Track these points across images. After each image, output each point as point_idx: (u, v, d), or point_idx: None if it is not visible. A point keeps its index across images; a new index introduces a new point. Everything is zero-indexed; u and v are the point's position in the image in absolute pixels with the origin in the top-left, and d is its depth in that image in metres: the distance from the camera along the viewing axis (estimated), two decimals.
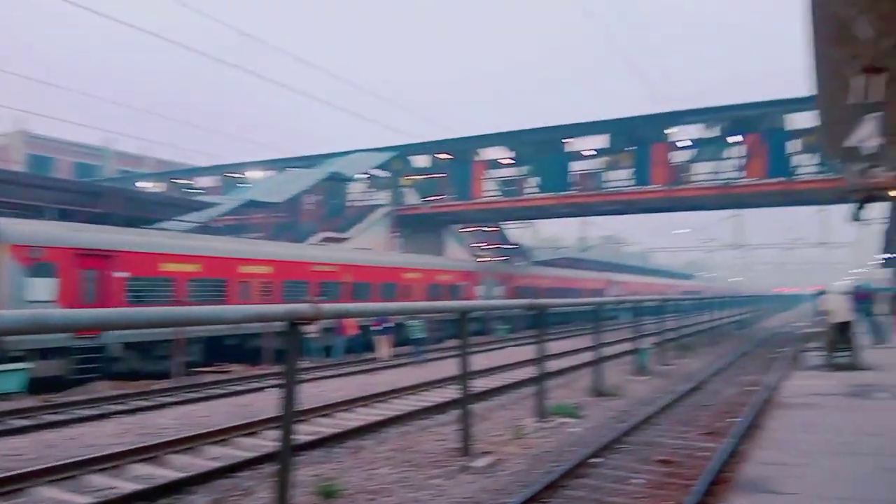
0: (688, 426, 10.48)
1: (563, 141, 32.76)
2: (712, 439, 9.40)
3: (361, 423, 10.61)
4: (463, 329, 8.62)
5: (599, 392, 13.22)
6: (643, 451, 8.75)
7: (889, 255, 40.24)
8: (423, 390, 14.25)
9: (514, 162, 34.85)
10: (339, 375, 16.98)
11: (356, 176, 36.39)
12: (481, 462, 8.04)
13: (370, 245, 32.96)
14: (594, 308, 15.36)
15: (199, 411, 12.20)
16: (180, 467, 8.33)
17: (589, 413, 11.40)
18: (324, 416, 11.50)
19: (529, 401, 12.08)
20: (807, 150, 26.89)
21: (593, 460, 8.14)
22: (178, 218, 24.94)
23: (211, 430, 9.89)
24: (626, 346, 19.57)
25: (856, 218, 23.25)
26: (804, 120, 26.07)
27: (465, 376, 8.49)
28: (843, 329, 13.84)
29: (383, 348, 20.42)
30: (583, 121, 31.75)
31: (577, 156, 33.24)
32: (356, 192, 39.62)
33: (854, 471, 6.10)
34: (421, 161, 37.94)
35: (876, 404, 9.68)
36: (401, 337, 21.71)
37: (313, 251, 24.28)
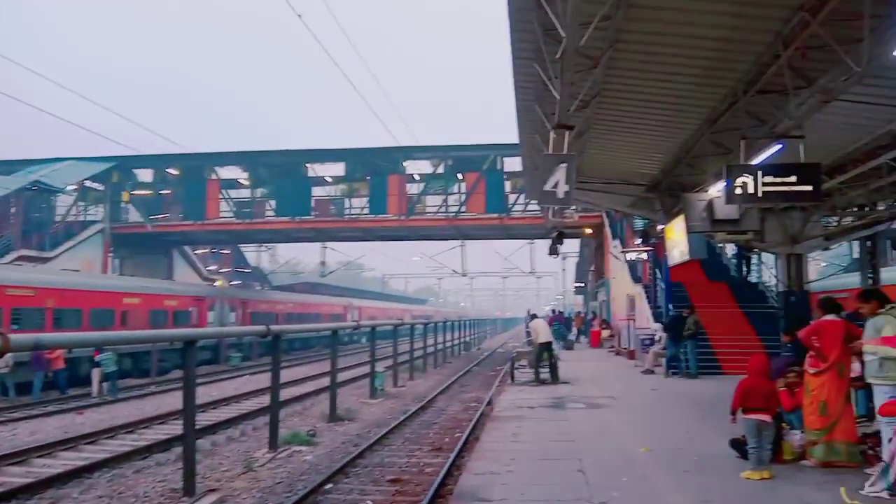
0: (417, 444, 11.06)
1: (304, 165, 32.78)
2: (438, 455, 10.06)
3: (63, 469, 9.27)
4: (188, 358, 8.07)
5: (335, 417, 13.29)
6: (375, 473, 9.01)
7: (580, 284, 47.31)
8: (142, 427, 12.95)
9: (251, 183, 33.84)
10: (38, 416, 14.64)
11: (65, 187, 32.11)
12: (205, 501, 7.56)
13: (80, 266, 29.23)
14: (331, 333, 15.48)
15: None
16: None
17: (323, 439, 11.39)
18: (15, 464, 9.83)
19: (262, 431, 11.71)
20: (518, 190, 30.53)
21: (326, 486, 8.16)
22: None
23: None
24: (363, 370, 20.02)
25: (553, 252, 27.09)
26: (516, 164, 29.63)
27: (190, 409, 7.94)
28: (545, 348, 15.82)
29: (95, 383, 18.13)
30: (323, 147, 32.22)
31: (318, 181, 33.49)
32: (65, 206, 34.89)
33: (551, 474, 6.98)
34: (146, 175, 34.86)
35: (570, 413, 11.18)
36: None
37: (5, 272, 20.75)
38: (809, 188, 8.80)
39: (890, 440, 5.99)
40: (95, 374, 18.16)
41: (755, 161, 9.49)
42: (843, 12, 6.94)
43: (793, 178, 8.81)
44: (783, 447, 7.02)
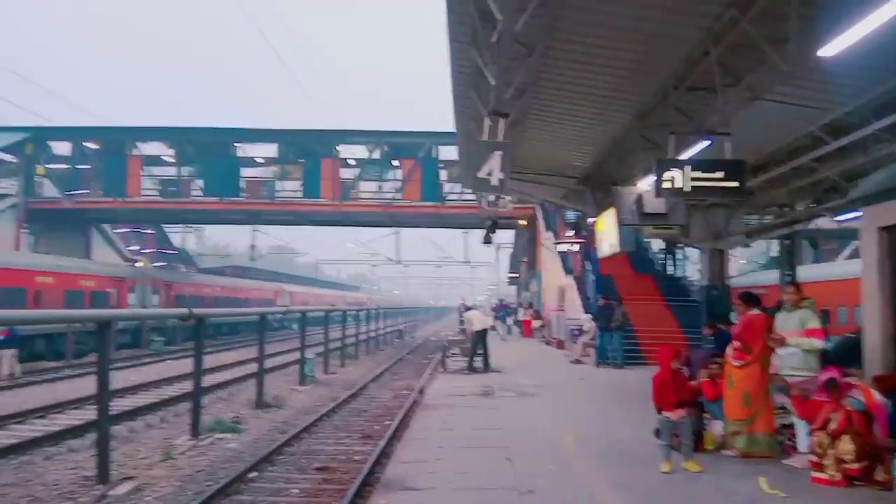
0: (346, 432, 10.90)
1: (234, 145, 31.73)
2: (368, 443, 9.93)
3: None
4: (105, 341, 7.65)
5: (262, 404, 12.95)
6: (301, 461, 8.81)
7: (514, 275, 47.93)
8: (55, 412, 12.28)
9: (176, 161, 32.49)
10: None
11: None
12: (122, 489, 7.20)
13: None
14: (259, 318, 15.05)
15: None
16: None
17: (249, 427, 11.07)
18: None
19: (183, 418, 11.28)
20: (454, 179, 30.51)
21: (250, 475, 7.91)
22: None
23: None
24: (293, 356, 19.61)
25: (487, 241, 27.22)
26: (450, 153, 29.60)
27: (104, 394, 7.53)
28: (480, 337, 15.88)
29: (4, 365, 17.08)
30: (253, 127, 31.29)
31: (249, 162, 32.49)
32: None
33: (479, 462, 6.96)
34: (62, 148, 32.96)
35: (500, 402, 11.23)
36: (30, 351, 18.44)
37: None
38: (735, 184, 9.05)
39: (808, 434, 6.23)
40: (6, 355, 17.12)
41: (683, 156, 9.71)
42: (772, 11, 7.14)
43: (719, 174, 9.04)
44: (704, 437, 7.18)
